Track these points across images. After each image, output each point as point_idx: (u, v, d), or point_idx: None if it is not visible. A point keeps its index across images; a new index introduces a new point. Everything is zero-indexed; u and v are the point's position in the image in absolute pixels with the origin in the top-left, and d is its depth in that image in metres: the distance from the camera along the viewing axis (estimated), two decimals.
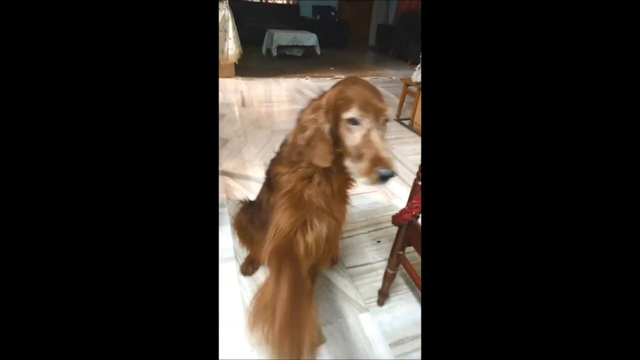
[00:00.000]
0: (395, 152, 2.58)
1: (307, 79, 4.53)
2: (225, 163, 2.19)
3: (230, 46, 3.91)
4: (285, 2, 7.18)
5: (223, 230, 1.55)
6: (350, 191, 0.94)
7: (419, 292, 1.29)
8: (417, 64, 3.15)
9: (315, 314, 0.87)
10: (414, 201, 0.97)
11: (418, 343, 1.12)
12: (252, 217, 1.16)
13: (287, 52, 5.86)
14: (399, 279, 1.37)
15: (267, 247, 0.85)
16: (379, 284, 1.25)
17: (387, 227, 1.68)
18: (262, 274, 1.33)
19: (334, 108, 0.72)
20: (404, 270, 1.23)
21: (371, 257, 1.50)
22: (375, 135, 0.69)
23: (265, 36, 5.84)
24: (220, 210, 1.69)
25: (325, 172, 0.81)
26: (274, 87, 4.06)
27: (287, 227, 0.84)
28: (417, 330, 1.17)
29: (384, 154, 0.67)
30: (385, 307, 1.26)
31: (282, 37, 5.64)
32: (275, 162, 0.94)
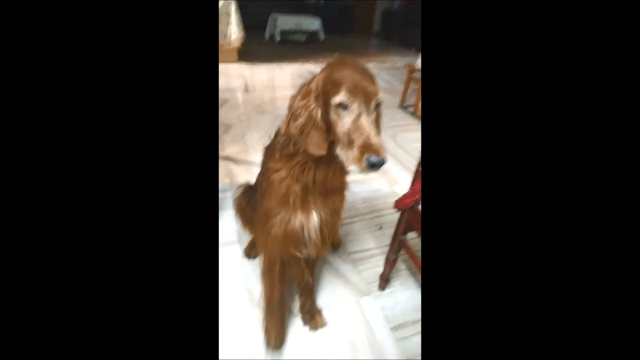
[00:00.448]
0: (399, 139, 2.56)
1: (310, 64, 4.46)
2: (229, 148, 2.18)
3: (233, 29, 3.85)
4: None
5: (227, 214, 1.56)
6: (350, 177, 0.91)
7: (420, 278, 1.30)
8: None
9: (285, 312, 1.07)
10: (416, 186, 0.97)
11: (419, 327, 1.14)
12: (250, 200, 1.16)
13: (291, 37, 5.77)
14: (401, 265, 1.38)
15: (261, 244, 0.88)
16: (380, 269, 1.26)
17: (389, 214, 1.68)
18: None
19: (323, 93, 0.69)
20: (406, 256, 1.23)
21: (373, 243, 1.50)
22: (364, 120, 0.65)
23: (269, 20, 5.74)
24: (223, 195, 1.69)
25: (321, 159, 0.77)
26: (277, 73, 4.02)
27: (280, 232, 0.85)
28: (418, 315, 1.18)
29: (374, 141, 0.63)
30: (386, 291, 1.27)
31: (286, 22, 5.54)
32: (268, 153, 0.90)
